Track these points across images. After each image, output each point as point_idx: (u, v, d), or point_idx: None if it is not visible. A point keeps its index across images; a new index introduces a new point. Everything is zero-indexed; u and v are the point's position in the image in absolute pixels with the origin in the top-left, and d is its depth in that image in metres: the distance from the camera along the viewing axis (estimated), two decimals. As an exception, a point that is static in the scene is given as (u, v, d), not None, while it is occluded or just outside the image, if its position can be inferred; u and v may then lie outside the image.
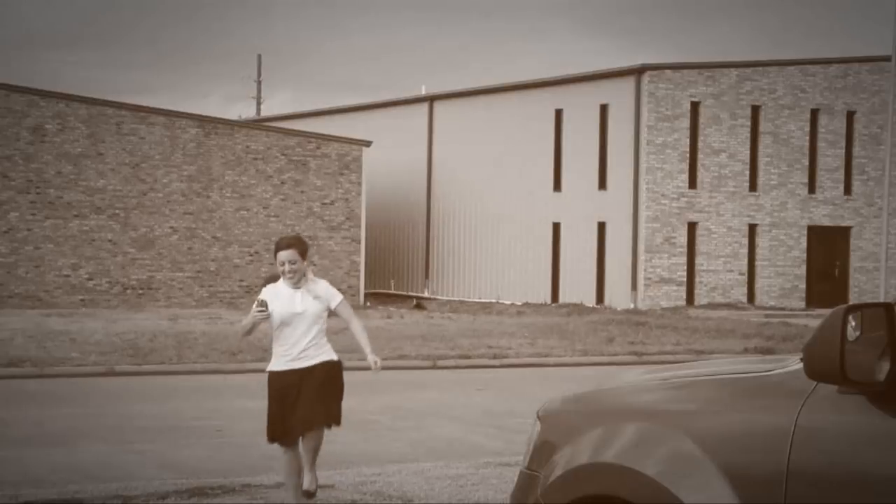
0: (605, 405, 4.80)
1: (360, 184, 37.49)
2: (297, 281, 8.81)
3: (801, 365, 4.06)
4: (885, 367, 3.87)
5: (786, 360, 4.49)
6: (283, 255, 8.78)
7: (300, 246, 8.87)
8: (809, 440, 3.94)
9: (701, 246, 36.01)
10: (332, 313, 9.01)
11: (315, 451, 8.93)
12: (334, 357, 8.96)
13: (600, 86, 36.83)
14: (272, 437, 8.97)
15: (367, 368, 9.10)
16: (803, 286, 37.30)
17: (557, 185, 38.04)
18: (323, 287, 8.97)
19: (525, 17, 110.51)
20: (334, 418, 8.93)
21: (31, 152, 33.44)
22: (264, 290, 8.95)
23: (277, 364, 8.88)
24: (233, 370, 19.02)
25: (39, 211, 33.46)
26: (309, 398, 8.73)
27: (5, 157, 33.19)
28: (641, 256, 35.17)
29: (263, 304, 8.69)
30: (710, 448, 4.18)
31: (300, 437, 8.89)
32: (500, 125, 39.70)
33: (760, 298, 36.58)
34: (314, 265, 9.48)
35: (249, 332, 9.02)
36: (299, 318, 8.78)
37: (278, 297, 8.82)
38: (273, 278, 9.13)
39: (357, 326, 9.06)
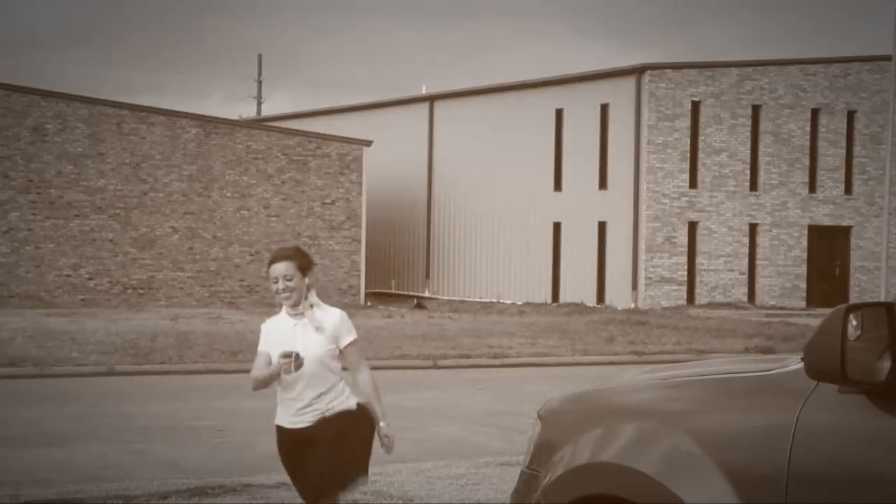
0: (605, 405, 4.80)
1: (360, 183, 37.47)
2: (295, 304, 6.86)
3: (801, 364, 4.06)
4: (886, 366, 3.87)
5: (786, 359, 4.49)
6: (277, 268, 6.84)
7: (299, 259, 6.88)
8: (810, 439, 3.94)
9: (701, 245, 36.00)
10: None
11: None
12: (351, 405, 6.96)
13: (601, 85, 36.82)
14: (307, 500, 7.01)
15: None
16: (804, 286, 37.29)
17: (558, 185, 38.03)
18: (332, 318, 6.89)
19: (525, 18, 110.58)
20: (352, 475, 6.87)
21: (32, 152, 33.42)
22: (264, 323, 7.10)
23: (282, 416, 7.03)
24: (233, 370, 18.98)
25: (40, 211, 33.44)
26: (320, 463, 6.82)
27: (6, 157, 33.17)
28: (642, 256, 35.16)
29: (292, 354, 6.68)
30: (711, 447, 4.18)
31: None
32: (500, 125, 39.68)
33: (761, 298, 36.57)
34: (310, 284, 6.94)
35: (266, 384, 6.97)
36: None
37: (276, 329, 6.96)
38: None
39: (365, 379, 7.04)
